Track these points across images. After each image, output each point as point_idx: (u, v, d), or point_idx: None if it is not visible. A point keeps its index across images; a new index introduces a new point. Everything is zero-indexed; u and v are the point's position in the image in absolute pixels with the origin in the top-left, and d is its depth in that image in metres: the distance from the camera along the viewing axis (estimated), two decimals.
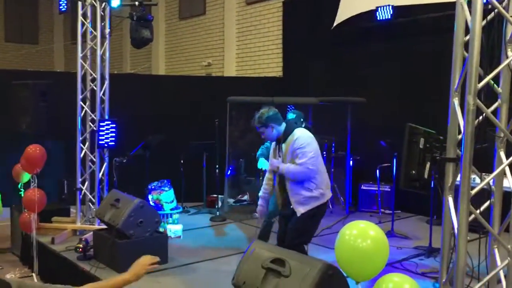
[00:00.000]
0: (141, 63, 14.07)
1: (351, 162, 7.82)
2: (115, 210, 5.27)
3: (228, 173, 8.00)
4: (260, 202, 4.75)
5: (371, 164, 7.66)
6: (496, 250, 2.84)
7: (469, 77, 2.58)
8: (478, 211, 2.70)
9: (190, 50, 12.81)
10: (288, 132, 4.34)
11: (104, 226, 5.81)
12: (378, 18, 8.04)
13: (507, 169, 2.70)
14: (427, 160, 2.91)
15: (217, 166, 7.29)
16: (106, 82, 6.48)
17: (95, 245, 5.47)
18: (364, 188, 7.87)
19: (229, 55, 11.60)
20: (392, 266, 5.29)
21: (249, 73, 11.01)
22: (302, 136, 4.29)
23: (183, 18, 12.95)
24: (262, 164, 5.96)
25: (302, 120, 5.67)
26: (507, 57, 2.74)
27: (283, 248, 4.41)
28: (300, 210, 4.30)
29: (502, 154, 2.79)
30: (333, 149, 8.05)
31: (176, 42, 13.28)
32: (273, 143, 4.55)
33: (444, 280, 2.90)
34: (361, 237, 2.46)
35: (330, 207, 7.98)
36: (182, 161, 7.65)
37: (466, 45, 2.82)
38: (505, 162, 2.72)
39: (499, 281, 2.75)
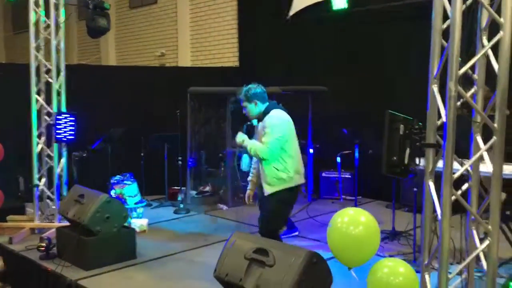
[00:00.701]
0: (89, 54, 13.61)
1: (311, 150, 7.90)
2: (80, 206, 5.09)
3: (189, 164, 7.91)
4: (248, 186, 4.73)
5: (331, 152, 7.76)
6: (474, 231, 2.94)
7: (450, 64, 2.65)
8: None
9: (142, 40, 12.50)
10: (266, 111, 4.36)
11: (67, 223, 5.62)
12: (334, 8, 8.14)
13: (485, 154, 2.79)
14: (406, 146, 2.97)
15: (179, 157, 7.17)
16: (62, 74, 6.23)
17: (58, 243, 5.27)
18: (324, 175, 7.98)
19: (183, 45, 11.41)
20: None
21: (204, 63, 10.88)
22: (275, 116, 4.29)
23: (133, 7, 12.61)
24: (246, 163, 5.84)
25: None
26: (482, 45, 2.82)
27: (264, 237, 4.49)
28: (267, 190, 4.33)
29: (479, 138, 2.89)
30: None
31: (127, 32, 12.92)
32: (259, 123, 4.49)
33: (426, 262, 2.98)
34: (353, 224, 2.48)
35: None
36: (142, 154, 7.49)
37: (444, 33, 2.89)
38: (483, 147, 2.81)
39: (478, 260, 2.85)
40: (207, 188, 8.24)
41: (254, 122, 5.61)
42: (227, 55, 10.51)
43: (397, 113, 2.98)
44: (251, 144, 4.33)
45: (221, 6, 10.54)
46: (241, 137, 4.41)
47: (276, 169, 4.27)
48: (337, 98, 7.76)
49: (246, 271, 3.29)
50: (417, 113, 4.14)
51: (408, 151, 2.95)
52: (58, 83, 6.18)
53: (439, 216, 2.74)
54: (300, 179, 4.44)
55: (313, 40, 8.65)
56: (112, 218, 5.02)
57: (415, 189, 4.99)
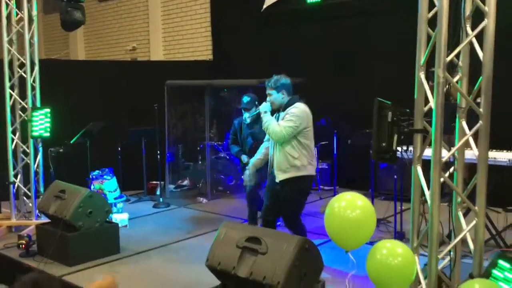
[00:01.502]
0: (57, 49, 13.32)
1: None
2: (61, 201, 5.01)
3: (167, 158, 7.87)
4: (250, 165, 4.85)
5: None
6: (460, 213, 3.05)
7: (438, 52, 2.73)
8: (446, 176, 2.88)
9: (112, 34, 12.30)
10: (290, 103, 4.47)
11: (44, 220, 5.53)
12: (308, 1, 8.21)
13: (471, 139, 2.89)
14: (394, 132, 3.05)
15: (158, 152, 7.12)
16: (36, 68, 6.10)
17: (39, 240, 5.18)
18: None
19: (155, 39, 11.29)
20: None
21: (177, 56, 10.80)
22: (298, 108, 4.42)
23: (102, 0, 12.39)
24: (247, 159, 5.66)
25: (256, 103, 5.62)
26: (466, 33, 2.92)
27: (268, 220, 4.65)
28: (280, 176, 4.44)
29: (464, 124, 2.99)
30: None
31: (96, 26, 12.68)
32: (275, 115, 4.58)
33: (415, 245, 3.07)
34: (350, 208, 2.55)
35: None
36: (119, 149, 7.40)
37: (429, 22, 2.98)
38: (468, 132, 2.90)
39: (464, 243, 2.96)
40: (185, 182, 8.22)
41: (246, 119, 5.61)
42: (200, 48, 10.45)
43: (385, 101, 3.05)
44: (269, 119, 4.41)
45: None
46: (264, 108, 4.50)
47: (293, 156, 4.39)
48: (314, 89, 7.83)
49: (238, 259, 3.33)
50: (395, 101, 4.31)
51: (396, 137, 3.02)
52: (32, 78, 6.04)
53: (428, 199, 2.82)
54: (313, 170, 4.56)
55: (288, 32, 8.70)
56: (95, 213, 4.97)
57: (395, 176, 5.12)
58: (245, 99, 5.73)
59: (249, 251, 3.32)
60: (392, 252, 2.45)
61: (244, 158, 5.81)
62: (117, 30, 12.15)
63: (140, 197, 7.55)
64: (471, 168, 3.29)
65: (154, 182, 7.70)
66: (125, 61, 11.24)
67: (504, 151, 4.89)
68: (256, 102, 5.63)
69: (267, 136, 4.66)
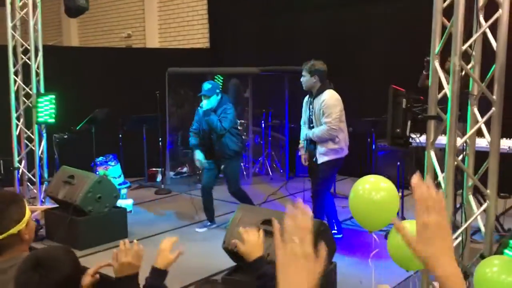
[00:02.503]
0: (50, 36, 13.20)
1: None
2: (70, 187, 5.08)
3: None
4: (302, 151, 5.27)
5: None
6: (471, 197, 3.18)
7: (454, 41, 2.84)
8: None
9: (106, 21, 12.23)
10: (320, 90, 4.93)
11: (52, 205, 5.58)
12: None
13: (483, 126, 3.01)
14: (408, 118, 3.16)
15: (160, 138, 7.17)
16: (40, 54, 6.11)
17: (47, 224, 5.24)
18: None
19: (150, 26, 11.27)
20: (343, 223, 5.66)
21: (173, 44, 10.80)
22: (330, 97, 4.88)
23: None
24: (200, 156, 5.48)
25: (217, 91, 5.34)
26: (479, 23, 3.03)
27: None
28: (320, 159, 4.94)
29: (476, 110, 3.11)
30: (269, 118, 8.24)
31: (90, 13, 12.46)
32: (306, 97, 5.17)
33: None
34: (374, 190, 2.65)
35: (270, 173, 8.25)
36: (120, 136, 7.44)
37: (444, 11, 3.08)
38: (480, 120, 3.02)
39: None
40: (185, 169, 8.29)
41: (204, 106, 5.28)
42: (197, 36, 10.46)
43: (400, 88, 3.15)
44: (313, 134, 4.94)
45: None
46: (308, 135, 5.05)
47: (332, 142, 4.89)
48: None
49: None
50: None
51: (409, 123, 3.13)
52: (36, 64, 6.05)
53: (442, 183, 2.95)
54: (346, 150, 5.09)
55: (286, 21, 8.76)
56: (104, 198, 5.05)
57: (398, 163, 5.25)
58: (206, 86, 5.26)
59: (265, 233, 3.41)
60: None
61: (199, 154, 5.43)
62: (112, 17, 12.09)
63: (141, 183, 7.61)
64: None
65: (154, 169, 7.76)
66: (122, 48, 11.21)
67: (504, 138, 5.04)
68: (218, 90, 5.31)
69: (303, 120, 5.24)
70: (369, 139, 6.64)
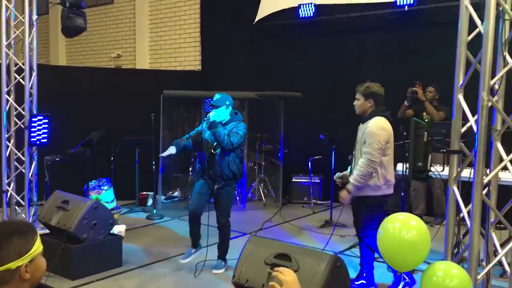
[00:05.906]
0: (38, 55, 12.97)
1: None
2: (64, 212, 4.86)
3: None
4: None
5: (301, 157, 7.87)
6: (493, 234, 3.11)
7: (483, 75, 2.80)
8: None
9: (96, 41, 12.08)
10: (371, 115, 4.25)
11: (42, 231, 5.33)
12: (301, 16, 8.29)
13: (509, 164, 2.95)
14: (429, 152, 3.09)
15: (153, 162, 7.00)
16: (34, 74, 5.94)
17: None
18: (295, 180, 8.08)
19: (141, 47, 11.16)
20: (342, 254, 5.53)
21: (164, 66, 10.70)
22: (375, 125, 4.16)
23: (88, 6, 12.15)
24: (172, 150, 4.93)
25: (227, 102, 4.93)
26: (504, 58, 2.99)
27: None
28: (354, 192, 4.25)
29: (499, 146, 3.06)
30: (263, 143, 8.14)
31: None
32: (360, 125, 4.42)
33: None
34: (405, 229, 2.54)
35: (263, 199, 8.11)
36: (112, 158, 7.24)
37: (469, 45, 3.04)
38: (506, 158, 2.96)
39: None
40: (176, 193, 8.11)
41: (211, 117, 4.80)
42: (188, 58, 10.39)
43: (420, 121, 3.09)
44: (355, 180, 4.19)
45: (183, 9, 10.42)
46: (350, 179, 4.29)
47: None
48: (310, 103, 7.89)
49: (268, 276, 3.28)
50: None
51: (430, 157, 3.06)
52: (30, 83, 5.87)
53: (467, 220, 2.87)
54: (388, 190, 4.27)
55: (280, 46, 8.75)
56: (99, 225, 4.84)
57: (402, 193, 5.17)
58: (216, 96, 4.95)
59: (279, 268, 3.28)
60: (448, 274, 2.45)
61: (172, 148, 4.89)
62: (102, 37, 11.96)
63: (132, 208, 7.39)
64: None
65: (145, 193, 7.57)
66: (111, 68, 11.06)
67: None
68: (228, 102, 4.90)
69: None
70: None
